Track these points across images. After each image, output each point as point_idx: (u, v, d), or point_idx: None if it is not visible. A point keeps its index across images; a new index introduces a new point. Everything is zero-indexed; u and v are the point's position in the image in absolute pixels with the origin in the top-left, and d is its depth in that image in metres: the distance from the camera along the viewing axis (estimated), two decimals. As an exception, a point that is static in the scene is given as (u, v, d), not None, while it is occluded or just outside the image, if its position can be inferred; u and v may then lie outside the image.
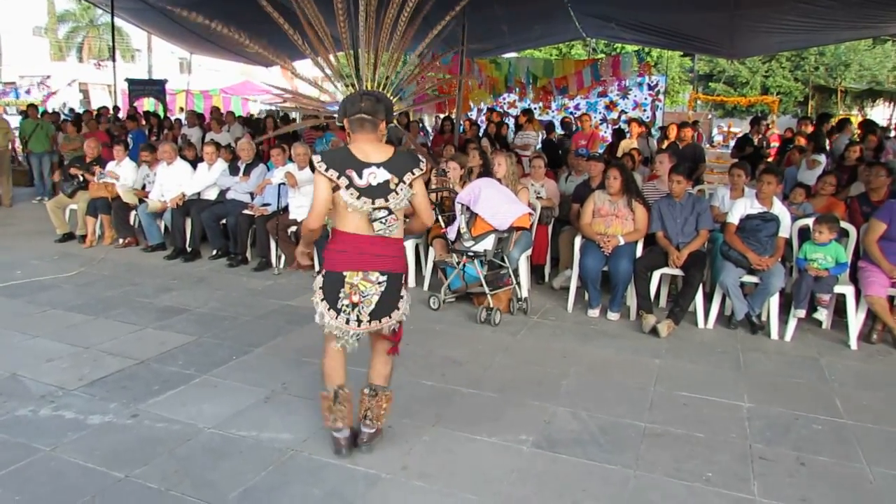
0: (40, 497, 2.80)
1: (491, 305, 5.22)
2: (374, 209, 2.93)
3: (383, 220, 2.96)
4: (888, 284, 4.87)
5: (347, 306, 3.00)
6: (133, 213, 7.68)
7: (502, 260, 5.41)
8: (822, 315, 5.10)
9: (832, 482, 3.08)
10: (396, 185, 2.94)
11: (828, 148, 9.19)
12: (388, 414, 3.27)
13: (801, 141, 9.19)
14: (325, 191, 2.95)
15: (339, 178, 2.90)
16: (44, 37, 33.90)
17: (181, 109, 19.51)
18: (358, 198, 2.91)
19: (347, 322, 3.02)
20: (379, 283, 2.99)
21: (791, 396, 3.99)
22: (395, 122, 3.20)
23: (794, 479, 3.09)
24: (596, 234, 5.48)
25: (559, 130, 13.16)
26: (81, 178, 7.91)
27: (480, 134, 11.14)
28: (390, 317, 3.07)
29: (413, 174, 2.99)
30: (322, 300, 3.04)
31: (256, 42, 3.24)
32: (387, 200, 2.93)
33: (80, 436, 3.31)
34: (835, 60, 29.10)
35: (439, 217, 5.70)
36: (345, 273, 2.99)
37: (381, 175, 2.93)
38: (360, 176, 2.92)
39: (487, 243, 5.22)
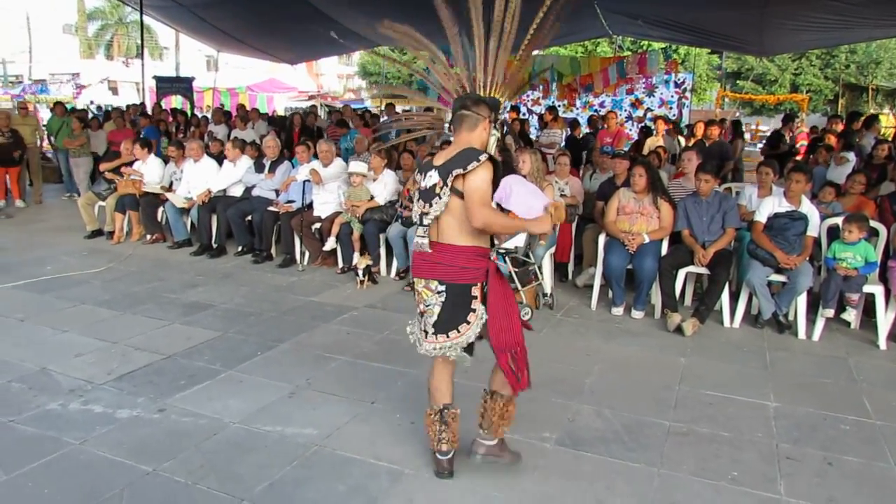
0: (70, 490, 2.85)
1: (524, 302, 5.22)
2: (421, 214, 2.83)
3: (424, 229, 2.83)
4: (919, 284, 4.78)
5: (419, 315, 2.92)
6: (160, 209, 7.78)
7: (526, 256, 5.40)
8: (851, 315, 5.01)
9: (860, 482, 3.04)
10: (441, 189, 2.74)
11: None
12: (508, 425, 2.99)
13: (831, 139, 9.04)
14: None
15: (419, 179, 2.88)
16: (74, 35, 34.45)
17: (208, 107, 19.71)
18: (418, 200, 2.86)
19: (420, 331, 2.93)
20: (438, 292, 2.80)
21: (818, 396, 3.94)
22: (501, 118, 2.97)
23: (821, 479, 3.06)
24: (620, 232, 5.44)
25: (585, 129, 13.08)
26: (113, 183, 8.05)
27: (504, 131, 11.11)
28: (458, 331, 2.81)
29: (452, 174, 2.70)
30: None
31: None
32: (430, 206, 2.78)
33: (108, 429, 3.37)
34: (866, 58, 28.54)
35: None
36: (413, 279, 2.94)
37: (433, 178, 2.78)
38: (424, 178, 2.83)
39: (519, 240, 5.22)
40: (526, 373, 2.87)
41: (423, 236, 2.83)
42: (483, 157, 2.70)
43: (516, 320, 2.88)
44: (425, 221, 2.82)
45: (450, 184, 2.71)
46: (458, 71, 3.00)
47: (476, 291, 2.80)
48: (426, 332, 2.87)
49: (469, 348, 2.91)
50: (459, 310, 2.80)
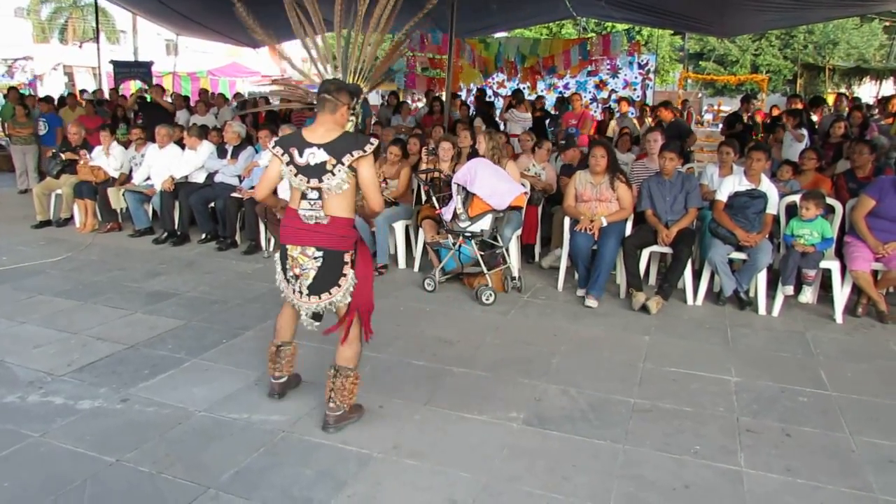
0: (30, 483, 2.79)
1: (490, 285, 5.23)
2: (308, 188, 3.04)
3: (311, 202, 3.05)
4: (872, 259, 4.92)
5: (292, 277, 3.17)
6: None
7: (494, 239, 5.41)
8: (808, 296, 5.12)
9: (816, 452, 3.13)
10: (334, 166, 2.99)
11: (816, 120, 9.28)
12: (353, 396, 3.24)
13: (788, 119, 9.22)
14: (272, 168, 3.22)
15: (282, 154, 3.09)
16: (26, 18, 33.33)
17: (165, 90, 19.25)
18: (295, 175, 3.05)
19: (294, 292, 3.19)
20: (315, 258, 3.08)
21: (778, 370, 4.04)
22: (357, 105, 3.23)
23: (779, 449, 3.14)
24: (580, 215, 5.45)
25: (549, 108, 13.11)
26: (65, 160, 7.83)
27: (472, 113, 11.12)
28: (330, 293, 3.12)
29: (353, 155, 2.99)
30: (280, 269, 3.25)
31: (259, 27, 3.37)
32: (320, 181, 3.01)
33: (69, 421, 3.30)
34: (823, 39, 29.07)
35: (433, 198, 5.69)
36: (287, 246, 3.16)
37: (319, 156, 3.01)
38: (301, 154, 3.04)
39: (485, 223, 5.21)
40: (369, 328, 3.28)
41: (313, 209, 3.07)
42: (373, 144, 3.04)
43: (370, 285, 3.27)
44: (313, 195, 3.05)
45: (346, 163, 2.99)
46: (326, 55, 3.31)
47: (348, 258, 3.13)
48: (300, 293, 3.15)
49: (316, 316, 3.21)
50: (332, 273, 3.11)
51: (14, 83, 17.58)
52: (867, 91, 23.67)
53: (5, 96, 11.62)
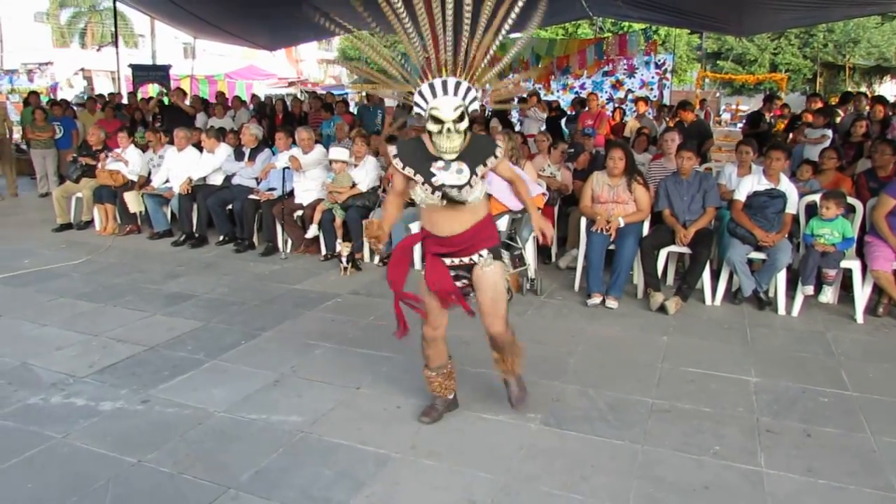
0: (54, 483, 2.83)
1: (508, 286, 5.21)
2: None
3: None
4: (894, 259, 4.86)
5: None
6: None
7: (511, 240, 5.39)
8: (828, 296, 5.05)
9: (837, 452, 3.10)
10: None
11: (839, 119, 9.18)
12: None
13: (809, 117, 9.13)
14: None
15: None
16: (46, 23, 33.77)
17: (185, 94, 19.42)
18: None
19: None
20: None
21: (798, 370, 4.00)
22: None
23: (800, 450, 3.11)
24: (596, 215, 5.41)
25: (564, 107, 13.06)
26: (84, 164, 7.94)
27: (489, 115, 11.09)
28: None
29: None
30: None
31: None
32: None
33: (91, 422, 3.35)
34: (843, 37, 28.69)
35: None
36: None
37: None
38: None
39: (501, 224, 5.20)
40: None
41: None
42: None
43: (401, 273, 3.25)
44: None
45: None
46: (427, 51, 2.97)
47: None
48: None
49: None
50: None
51: (35, 87, 17.79)
52: (888, 90, 23.40)
53: (26, 101, 11.76)
